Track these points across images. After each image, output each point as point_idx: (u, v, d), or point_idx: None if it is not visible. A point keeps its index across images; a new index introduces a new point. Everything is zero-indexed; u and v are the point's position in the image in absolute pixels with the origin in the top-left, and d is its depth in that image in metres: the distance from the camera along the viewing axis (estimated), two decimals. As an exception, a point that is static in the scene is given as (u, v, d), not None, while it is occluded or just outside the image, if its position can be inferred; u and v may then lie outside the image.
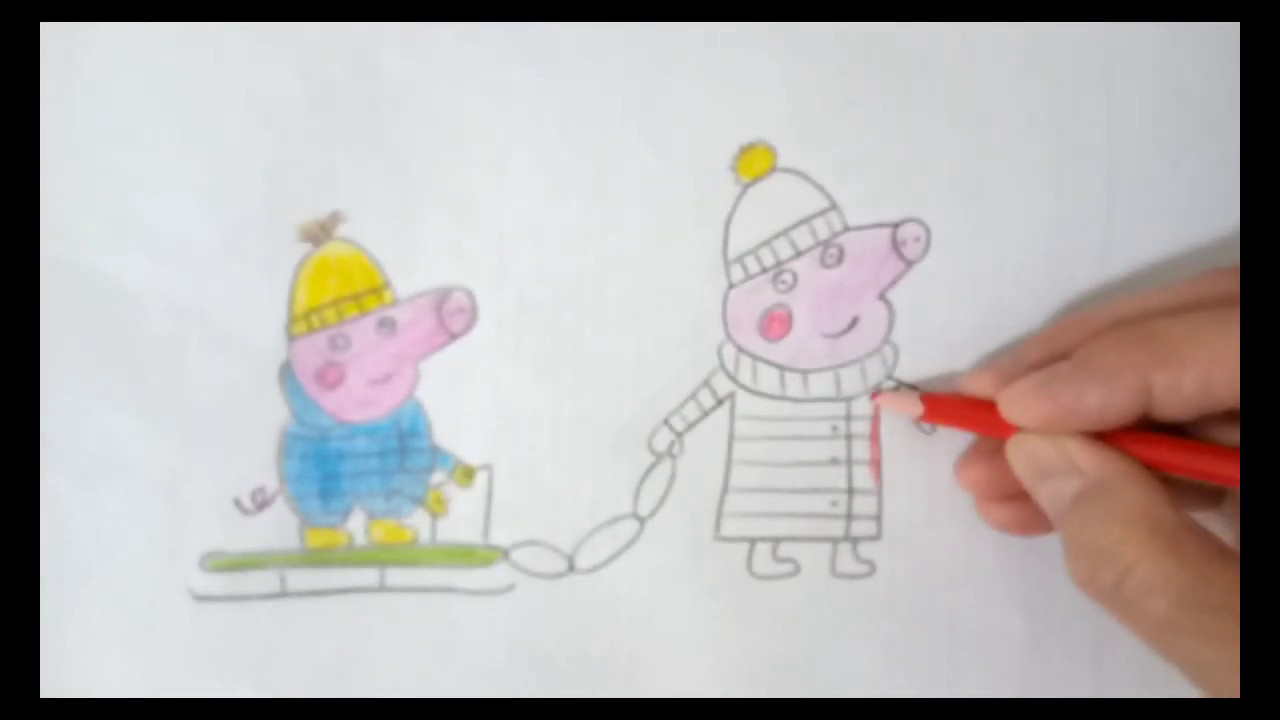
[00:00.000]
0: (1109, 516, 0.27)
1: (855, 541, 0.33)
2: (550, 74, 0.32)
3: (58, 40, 0.31)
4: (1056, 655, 0.33)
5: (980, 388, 0.31)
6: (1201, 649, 0.25)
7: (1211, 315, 0.28)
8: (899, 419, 0.33)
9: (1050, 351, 0.30)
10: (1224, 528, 0.31)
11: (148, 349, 0.32)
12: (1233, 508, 0.31)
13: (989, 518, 0.32)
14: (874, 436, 0.33)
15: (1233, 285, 0.29)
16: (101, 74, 0.31)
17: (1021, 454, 0.29)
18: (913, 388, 0.33)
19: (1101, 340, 0.29)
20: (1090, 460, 0.28)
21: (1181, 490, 0.30)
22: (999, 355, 0.33)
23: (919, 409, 0.32)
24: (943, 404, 0.32)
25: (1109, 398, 0.28)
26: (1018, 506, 0.31)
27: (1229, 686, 0.24)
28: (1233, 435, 0.29)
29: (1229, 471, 0.28)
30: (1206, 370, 0.27)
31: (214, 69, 0.32)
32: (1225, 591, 0.25)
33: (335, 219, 0.32)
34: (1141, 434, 0.29)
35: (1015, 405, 0.29)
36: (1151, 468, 0.28)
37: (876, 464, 0.33)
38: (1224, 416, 0.28)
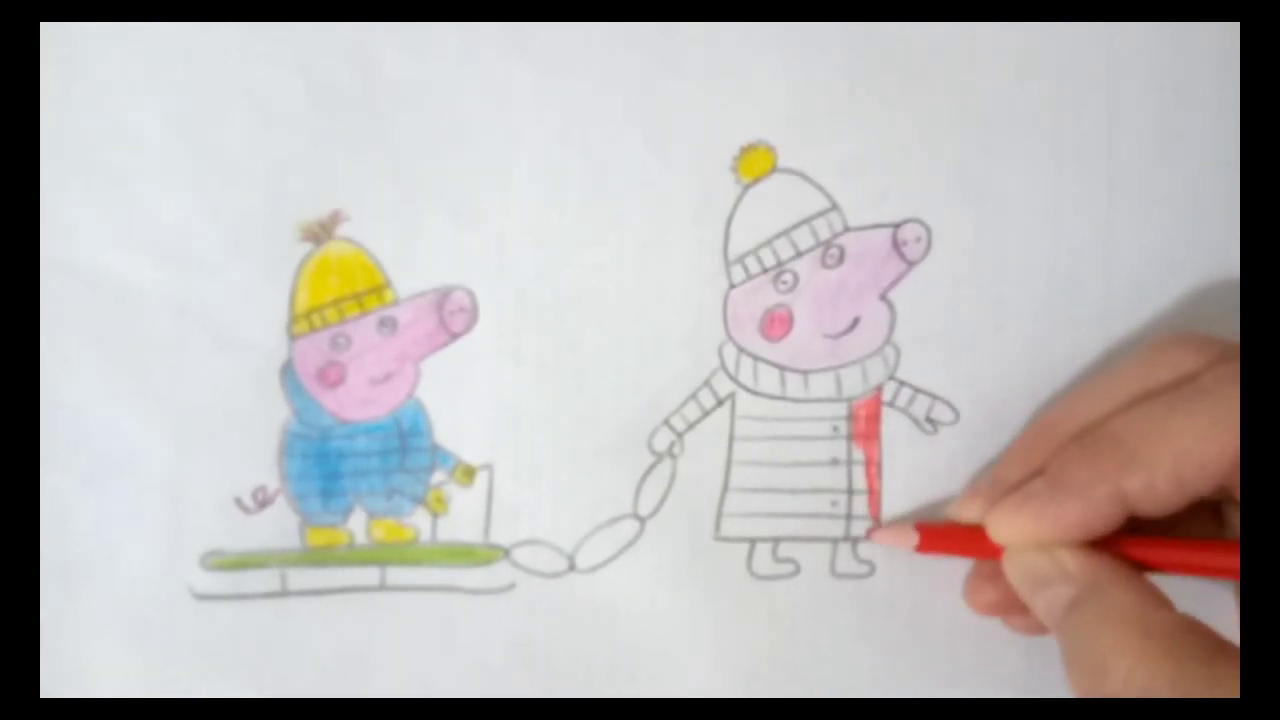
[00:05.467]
0: (1101, 621, 0.27)
1: (855, 542, 0.33)
2: (550, 74, 0.32)
3: (58, 40, 0.31)
4: (1056, 655, 0.33)
5: (968, 515, 0.31)
6: None
7: (1167, 403, 0.28)
8: (900, 419, 0.33)
9: (1025, 468, 0.30)
10: (1225, 590, 0.31)
11: (149, 348, 0.32)
12: None
13: (1017, 630, 0.32)
14: (874, 437, 0.33)
15: (1178, 362, 0.29)
16: (101, 74, 0.31)
17: (1016, 568, 0.30)
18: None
19: (1069, 454, 0.29)
20: (1080, 566, 0.28)
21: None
22: (999, 352, 0.33)
23: (914, 540, 0.32)
24: (938, 534, 0.32)
25: (1087, 512, 0.28)
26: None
27: None
28: (1222, 518, 0.29)
29: (1218, 564, 0.28)
30: (1174, 466, 0.27)
31: (214, 69, 0.32)
32: (1231, 690, 0.25)
33: (336, 218, 0.32)
34: (1130, 536, 0.29)
35: (1002, 529, 0.30)
36: (1145, 567, 0.29)
37: (876, 464, 0.33)
38: (1209, 500, 0.29)
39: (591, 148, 0.32)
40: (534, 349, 0.32)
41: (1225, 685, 0.25)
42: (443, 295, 0.32)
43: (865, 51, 0.32)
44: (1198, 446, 0.27)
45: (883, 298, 0.33)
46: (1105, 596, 0.27)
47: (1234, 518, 0.30)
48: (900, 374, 0.33)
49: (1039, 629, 0.31)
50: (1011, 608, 0.31)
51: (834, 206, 0.33)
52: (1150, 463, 0.28)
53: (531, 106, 0.32)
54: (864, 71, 0.32)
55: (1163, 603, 0.27)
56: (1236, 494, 0.28)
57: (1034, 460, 0.30)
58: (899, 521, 0.33)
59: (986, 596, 0.32)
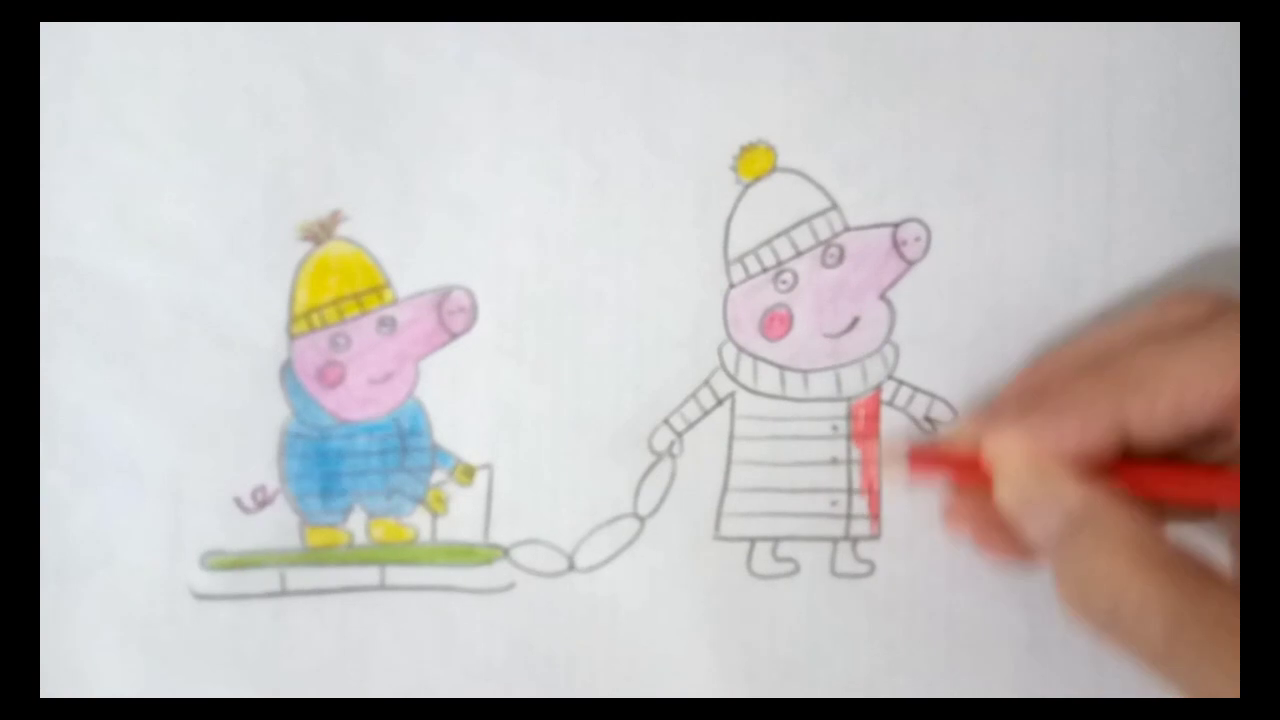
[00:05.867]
0: (1097, 545, 0.27)
1: (855, 541, 0.33)
2: (550, 74, 0.32)
3: (58, 40, 0.31)
4: (1056, 655, 0.33)
5: (965, 436, 0.31)
6: (1201, 668, 0.25)
7: (1174, 344, 0.28)
8: (900, 418, 0.33)
9: (1026, 393, 0.31)
10: (1218, 541, 0.31)
11: (148, 348, 0.32)
12: (1225, 519, 0.31)
13: (988, 553, 0.32)
14: (873, 436, 0.33)
15: (1189, 311, 0.29)
16: (101, 74, 0.32)
17: (1008, 490, 0.29)
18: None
19: (1072, 377, 0.29)
20: (1075, 491, 0.28)
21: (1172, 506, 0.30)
22: (999, 352, 0.33)
23: (903, 465, 0.32)
24: (931, 455, 0.32)
25: (1086, 429, 0.28)
26: (1013, 540, 0.31)
27: None
28: (1212, 455, 0.29)
29: (1213, 490, 0.28)
30: (1177, 392, 0.28)
31: (215, 68, 0.32)
32: (1220, 609, 0.25)
33: (336, 218, 0.32)
34: (1123, 462, 0.29)
35: (998, 443, 0.30)
36: (1137, 495, 0.28)
37: (876, 463, 0.33)
38: (1201, 439, 0.29)
39: (591, 148, 0.32)
40: (534, 349, 0.32)
41: (1214, 608, 0.25)
42: (442, 295, 0.32)
43: (865, 51, 0.32)
44: (1202, 376, 0.27)
45: (882, 297, 0.33)
46: (1101, 521, 0.28)
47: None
48: (899, 373, 0.33)
49: (1015, 557, 0.31)
50: (990, 532, 0.31)
51: (834, 206, 0.33)
52: (1153, 387, 0.28)
53: (531, 106, 0.32)
54: (864, 71, 0.32)
55: (1156, 529, 0.27)
56: (1233, 438, 0.28)
57: (1034, 387, 0.30)
58: (894, 443, 0.33)
59: (967, 517, 0.31)
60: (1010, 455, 0.29)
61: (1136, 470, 0.29)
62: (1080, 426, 0.28)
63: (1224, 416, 0.28)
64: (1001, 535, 0.30)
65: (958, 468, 0.31)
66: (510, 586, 0.32)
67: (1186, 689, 0.26)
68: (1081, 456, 0.29)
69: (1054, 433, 0.29)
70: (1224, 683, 0.25)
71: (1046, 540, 0.29)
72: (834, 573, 0.33)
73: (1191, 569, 0.26)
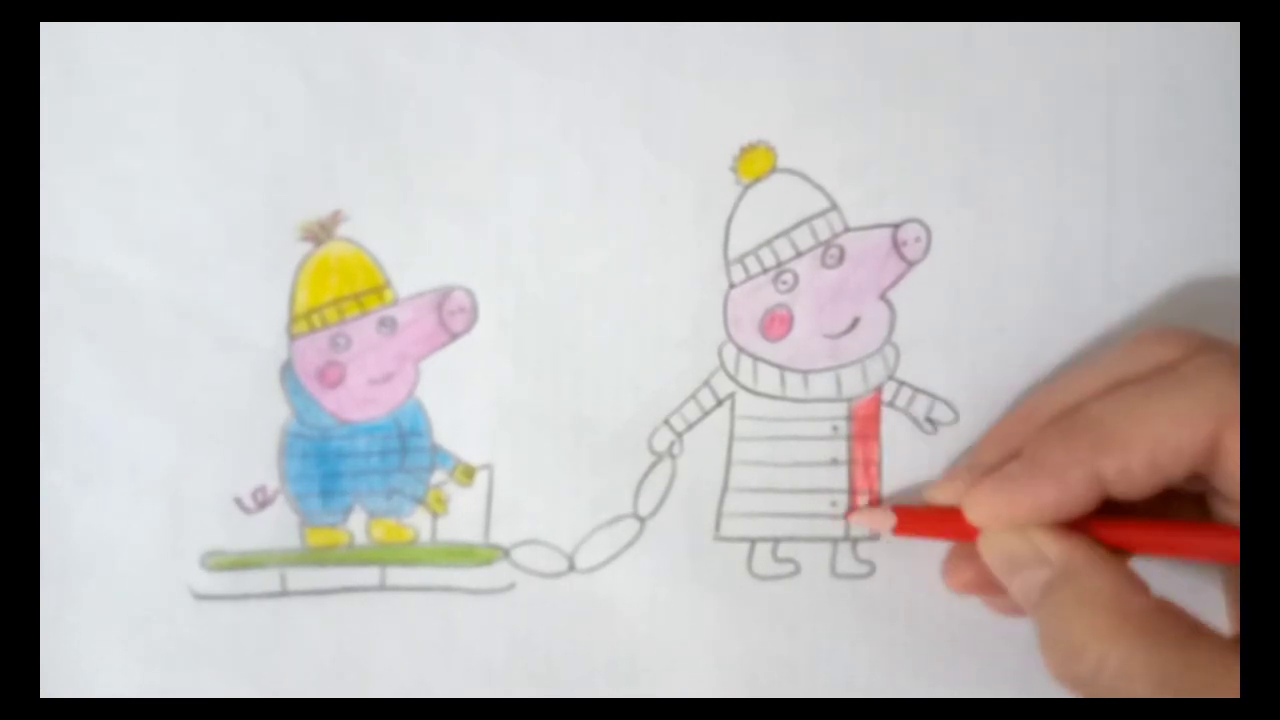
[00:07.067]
0: (1077, 605, 0.27)
1: (855, 542, 0.33)
2: (550, 74, 0.32)
3: (58, 40, 0.31)
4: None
5: (945, 497, 0.31)
6: None
7: (1145, 389, 0.28)
8: (900, 419, 0.33)
9: (1003, 451, 0.30)
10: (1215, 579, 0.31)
11: (148, 348, 0.32)
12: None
13: (996, 610, 0.32)
14: (874, 437, 0.33)
15: (1161, 352, 0.29)
16: (101, 74, 0.31)
17: (992, 549, 0.30)
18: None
19: (1046, 435, 0.29)
20: (1056, 549, 0.28)
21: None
22: (999, 352, 0.33)
23: (891, 522, 0.32)
24: (914, 516, 0.32)
25: (1062, 494, 0.28)
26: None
27: None
28: (1196, 488, 0.29)
29: (1192, 545, 0.29)
30: (1150, 449, 0.27)
31: (214, 69, 0.32)
32: (1208, 672, 0.25)
33: (336, 218, 0.32)
34: (1106, 519, 0.29)
35: (978, 511, 0.30)
36: (1121, 548, 0.29)
37: (876, 464, 0.33)
38: (1181, 482, 0.28)
39: (591, 148, 0.32)
40: (534, 349, 0.32)
41: (1200, 668, 0.25)
42: (442, 295, 0.32)
43: (865, 51, 0.32)
44: (1174, 431, 0.27)
45: (882, 298, 0.33)
46: (1081, 579, 0.27)
47: (1220, 508, 0.29)
48: (900, 374, 0.33)
49: (1018, 609, 0.31)
50: (989, 587, 0.31)
51: (834, 206, 0.33)
52: (1126, 445, 0.28)
53: (531, 106, 0.32)
54: (864, 71, 0.32)
55: (1138, 586, 0.27)
56: (1213, 481, 0.28)
57: (1012, 443, 0.30)
58: (878, 508, 0.33)
59: (964, 575, 0.31)
60: (990, 521, 0.29)
61: (1120, 526, 0.29)
62: (1056, 488, 0.28)
63: (1201, 464, 0.27)
64: (1000, 590, 0.30)
65: (944, 527, 0.31)
66: (510, 587, 0.32)
67: None
68: (1060, 517, 0.28)
69: (1030, 496, 0.29)
70: None
71: (1029, 599, 0.28)
72: (834, 573, 0.33)
73: (1177, 628, 0.26)
